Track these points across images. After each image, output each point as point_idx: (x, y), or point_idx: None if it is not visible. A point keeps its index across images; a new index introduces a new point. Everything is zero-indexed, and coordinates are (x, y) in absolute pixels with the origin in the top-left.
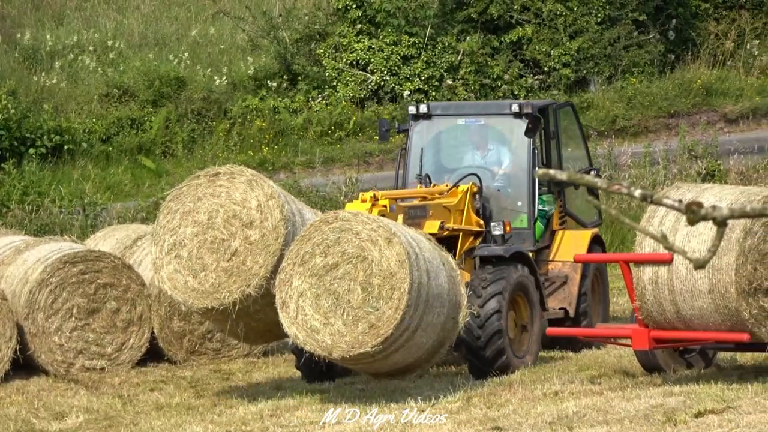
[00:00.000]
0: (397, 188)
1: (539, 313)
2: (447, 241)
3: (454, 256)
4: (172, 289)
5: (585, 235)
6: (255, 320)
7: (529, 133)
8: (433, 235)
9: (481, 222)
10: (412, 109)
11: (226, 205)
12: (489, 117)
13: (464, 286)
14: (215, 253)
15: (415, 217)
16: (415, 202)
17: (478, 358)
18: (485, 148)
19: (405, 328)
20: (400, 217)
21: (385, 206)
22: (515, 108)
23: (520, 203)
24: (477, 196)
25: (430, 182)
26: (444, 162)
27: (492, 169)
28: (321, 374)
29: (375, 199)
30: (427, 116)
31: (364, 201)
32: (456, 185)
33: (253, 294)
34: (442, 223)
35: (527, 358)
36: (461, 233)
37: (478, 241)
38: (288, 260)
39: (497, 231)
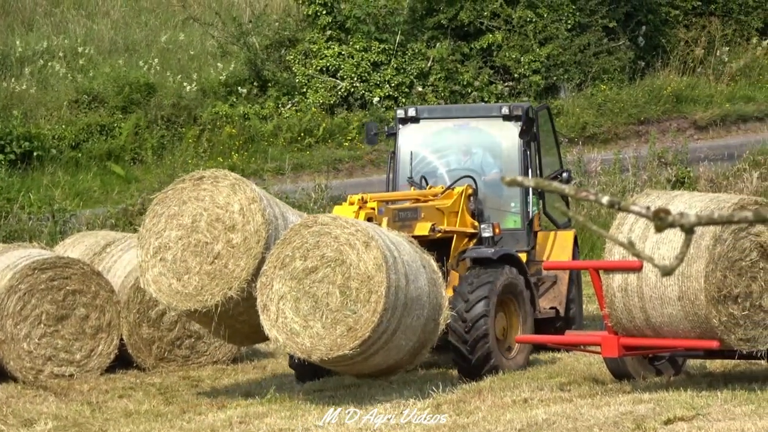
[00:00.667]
0: (388, 191)
1: (530, 313)
2: (441, 243)
3: (448, 257)
4: (156, 292)
5: (568, 236)
6: (239, 322)
7: (523, 134)
8: (424, 237)
9: (476, 224)
10: (400, 113)
11: (210, 208)
12: (479, 120)
13: (445, 288)
14: (198, 256)
15: (405, 219)
16: (407, 204)
17: (467, 361)
18: (475, 151)
19: (383, 330)
20: (385, 219)
21: (373, 209)
22: (505, 111)
23: (513, 204)
24: (472, 198)
25: (427, 184)
26: (433, 165)
27: (483, 171)
28: (313, 374)
29: (363, 201)
30: (416, 119)
31: (351, 203)
32: (451, 187)
33: (235, 297)
34: (433, 225)
35: (518, 358)
36: (455, 235)
37: (472, 243)
38: (269, 264)
39: (486, 233)
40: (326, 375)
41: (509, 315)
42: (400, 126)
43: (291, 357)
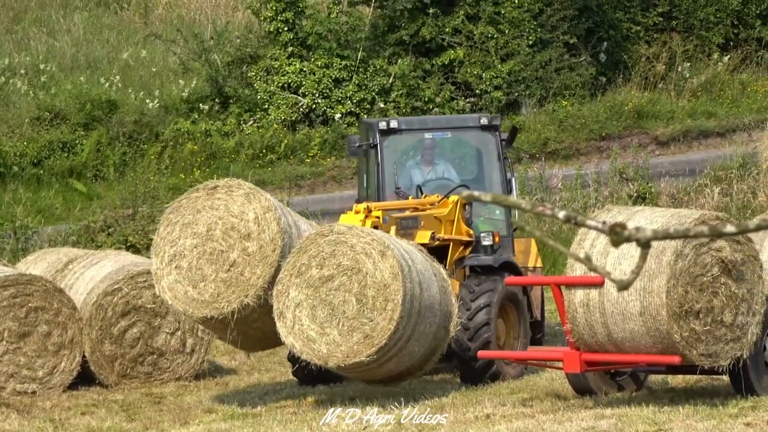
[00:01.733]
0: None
1: (527, 320)
2: (438, 250)
3: (445, 265)
4: (172, 299)
5: (533, 242)
6: (252, 329)
7: (509, 144)
8: (424, 245)
9: (471, 232)
10: (382, 125)
11: (225, 217)
12: (458, 131)
13: (455, 296)
14: (214, 264)
15: (407, 227)
16: (407, 213)
17: (470, 368)
18: (454, 161)
19: (398, 338)
20: (393, 228)
21: (378, 218)
22: (484, 121)
23: (498, 212)
24: (467, 207)
25: (422, 194)
26: (414, 176)
27: (465, 180)
28: (315, 382)
29: (368, 210)
30: (397, 131)
31: (357, 212)
32: (447, 196)
33: (251, 304)
34: (433, 233)
35: (517, 366)
36: (452, 243)
37: (468, 251)
38: (285, 272)
39: (486, 241)
40: (327, 383)
41: (508, 322)
42: (381, 138)
43: (293, 365)
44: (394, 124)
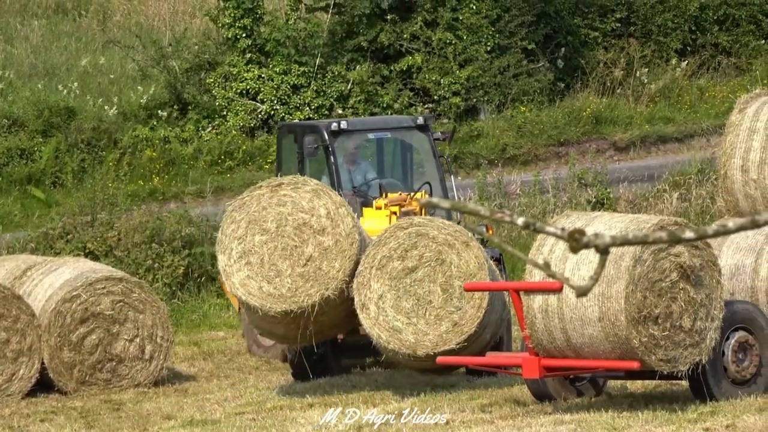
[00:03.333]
0: None
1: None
2: None
3: None
4: (246, 295)
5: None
6: (317, 322)
7: (449, 141)
8: None
9: None
10: (333, 126)
11: (294, 213)
12: (397, 131)
13: None
14: (288, 259)
15: None
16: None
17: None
18: (396, 160)
19: (484, 325)
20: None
21: (395, 213)
22: (420, 121)
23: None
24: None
25: (384, 193)
26: (360, 174)
27: (406, 178)
28: (310, 374)
29: (384, 206)
30: (346, 132)
31: (379, 207)
32: (414, 194)
33: (332, 297)
34: None
35: None
36: None
37: None
38: (365, 264)
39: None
40: (322, 376)
41: None
42: (332, 138)
43: (293, 367)
44: (344, 124)
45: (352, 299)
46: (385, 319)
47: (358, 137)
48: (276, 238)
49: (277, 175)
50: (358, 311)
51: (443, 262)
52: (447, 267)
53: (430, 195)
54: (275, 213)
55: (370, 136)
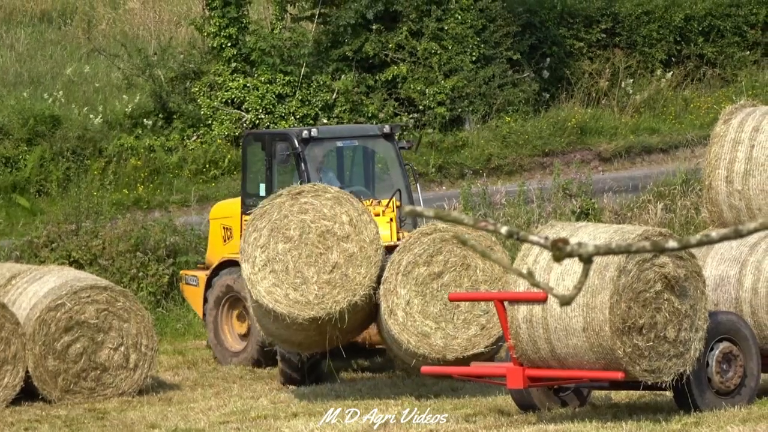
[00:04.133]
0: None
1: None
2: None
3: None
4: (273, 303)
5: None
6: (337, 328)
7: (414, 149)
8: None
9: (405, 234)
10: (305, 133)
11: (317, 221)
12: (363, 139)
13: None
14: (313, 266)
15: None
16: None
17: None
18: (362, 168)
19: None
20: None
21: (391, 219)
22: (386, 130)
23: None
24: (397, 210)
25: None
26: (326, 182)
27: (373, 186)
28: (300, 381)
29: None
30: (316, 140)
31: (377, 215)
32: (389, 201)
33: (359, 303)
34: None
35: None
36: None
37: None
38: (390, 271)
39: None
40: (312, 383)
41: None
42: (303, 146)
43: (284, 361)
44: (315, 132)
45: (375, 305)
46: (414, 324)
47: (327, 145)
48: (300, 245)
49: (243, 184)
50: (385, 317)
51: (468, 267)
52: (473, 272)
53: (401, 201)
54: (297, 221)
55: (339, 144)
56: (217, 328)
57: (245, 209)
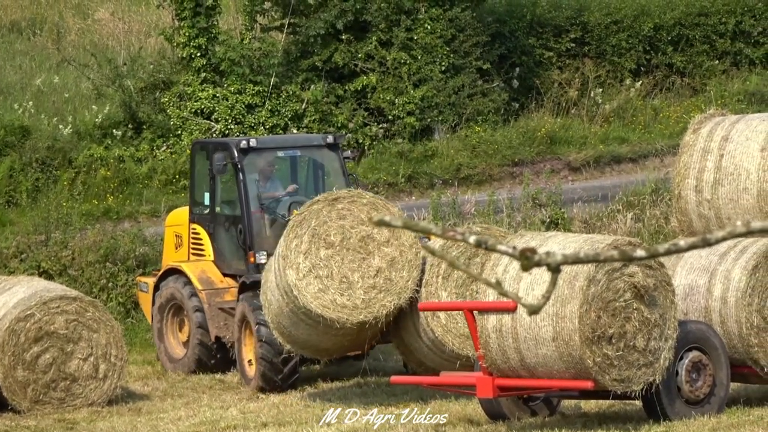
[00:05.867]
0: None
1: None
2: None
3: None
4: (320, 308)
5: None
6: (365, 332)
7: (357, 160)
8: None
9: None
10: (243, 144)
11: (356, 226)
12: (307, 149)
13: None
14: (357, 271)
15: None
16: None
17: None
18: (305, 178)
19: None
20: None
21: None
22: (330, 140)
23: None
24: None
25: (292, 211)
26: (270, 191)
27: (311, 197)
28: (280, 388)
29: None
30: (256, 150)
31: None
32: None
33: (404, 306)
34: None
35: None
36: None
37: None
38: (430, 274)
39: None
40: (290, 389)
41: None
42: (241, 156)
43: (266, 364)
44: (253, 142)
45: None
46: (456, 326)
47: (267, 155)
48: (341, 251)
49: (191, 192)
50: (428, 320)
51: None
52: None
53: None
54: (337, 226)
55: (280, 154)
56: (162, 335)
57: (192, 217)
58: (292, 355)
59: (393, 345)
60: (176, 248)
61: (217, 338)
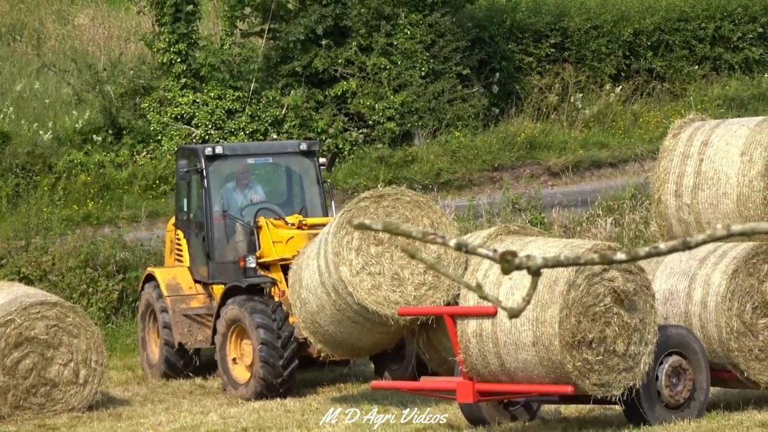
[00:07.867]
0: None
1: None
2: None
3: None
4: (375, 305)
5: None
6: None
7: (329, 167)
8: None
9: None
10: (208, 151)
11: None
12: (279, 156)
13: None
14: (407, 268)
15: None
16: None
17: None
18: (276, 185)
19: None
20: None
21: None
22: (304, 147)
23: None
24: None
25: (257, 218)
26: (240, 199)
27: (288, 203)
28: (274, 395)
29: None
30: (222, 156)
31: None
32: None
33: (452, 303)
34: None
35: None
36: None
37: None
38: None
39: None
40: (280, 397)
41: None
42: (207, 163)
43: (268, 368)
44: (219, 149)
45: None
46: None
47: (234, 162)
48: (390, 248)
49: (176, 197)
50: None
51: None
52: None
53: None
54: None
55: (251, 161)
56: (144, 343)
57: (176, 223)
58: (294, 358)
59: (414, 344)
60: (170, 253)
61: (180, 345)
